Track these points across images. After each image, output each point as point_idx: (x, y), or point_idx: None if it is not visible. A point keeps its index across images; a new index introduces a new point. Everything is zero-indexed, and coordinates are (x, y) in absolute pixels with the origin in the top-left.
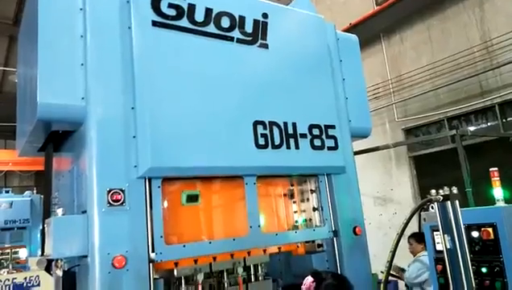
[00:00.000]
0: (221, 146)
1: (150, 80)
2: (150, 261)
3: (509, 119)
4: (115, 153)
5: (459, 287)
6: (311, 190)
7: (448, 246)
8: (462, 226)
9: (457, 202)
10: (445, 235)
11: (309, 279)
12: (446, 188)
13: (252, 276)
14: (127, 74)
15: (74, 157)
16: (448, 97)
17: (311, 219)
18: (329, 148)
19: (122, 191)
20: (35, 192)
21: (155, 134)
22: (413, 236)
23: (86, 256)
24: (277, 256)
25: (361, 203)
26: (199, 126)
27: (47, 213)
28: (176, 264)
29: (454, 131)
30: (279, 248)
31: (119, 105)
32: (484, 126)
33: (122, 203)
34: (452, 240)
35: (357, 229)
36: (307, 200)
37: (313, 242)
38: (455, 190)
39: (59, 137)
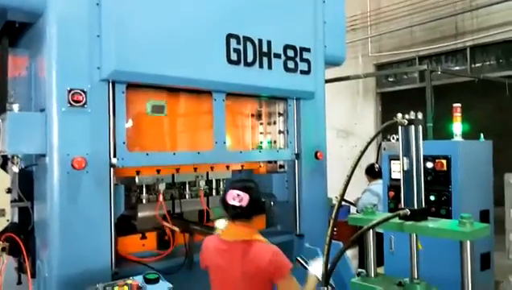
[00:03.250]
0: (191, 56)
1: None
2: (112, 165)
3: (477, 65)
4: (77, 52)
5: (409, 204)
6: (278, 113)
7: (406, 168)
8: (421, 151)
9: (420, 127)
10: (404, 158)
11: (242, 196)
12: (412, 112)
13: (213, 190)
14: None
15: (32, 53)
16: (423, 36)
17: (275, 141)
18: (302, 72)
19: (84, 92)
20: None
21: (121, 35)
22: (366, 172)
23: (44, 155)
24: (238, 174)
25: (325, 130)
26: (169, 33)
27: (3, 108)
28: (138, 173)
29: (425, 66)
30: (242, 166)
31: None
32: (453, 68)
33: (84, 104)
34: (410, 163)
35: (318, 154)
36: (274, 123)
37: (275, 162)
38: (420, 116)
39: (17, 31)
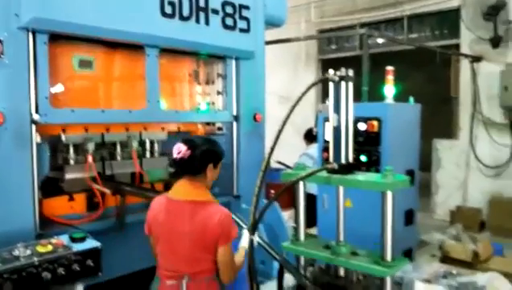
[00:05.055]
0: (121, 7)
1: None
2: (33, 122)
3: (414, 35)
4: None
5: (338, 160)
6: (217, 74)
7: (335, 124)
8: (351, 107)
9: (351, 84)
10: (334, 114)
11: (183, 147)
12: (343, 69)
13: (147, 152)
14: None
15: None
16: (365, 2)
17: (214, 103)
18: (241, 30)
19: (0, 41)
20: None
21: None
22: (305, 136)
23: None
24: (175, 136)
25: (264, 93)
26: None
27: None
28: (64, 131)
29: (364, 30)
30: (179, 128)
31: None
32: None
33: (0, 55)
34: (340, 119)
35: (257, 116)
36: (213, 83)
37: (214, 124)
38: (350, 73)
39: None
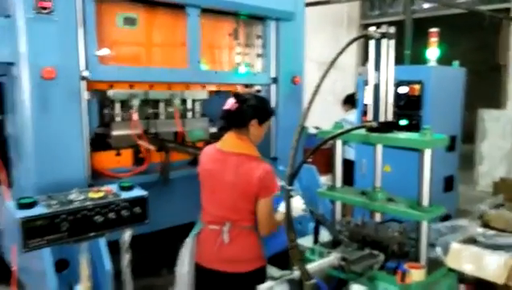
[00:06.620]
0: None
1: None
2: (83, 78)
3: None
4: None
5: (377, 118)
6: (256, 35)
7: (375, 82)
8: (392, 65)
9: (392, 42)
10: (375, 72)
11: (232, 100)
12: (384, 26)
13: (189, 112)
14: None
15: None
16: None
17: (253, 65)
18: None
19: None
20: None
21: None
22: (345, 102)
23: (13, 64)
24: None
25: (304, 55)
26: None
27: None
28: (111, 87)
29: None
30: (218, 88)
31: None
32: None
33: (51, 12)
34: (380, 77)
35: (295, 79)
36: (252, 45)
37: (252, 86)
38: (392, 30)
39: None
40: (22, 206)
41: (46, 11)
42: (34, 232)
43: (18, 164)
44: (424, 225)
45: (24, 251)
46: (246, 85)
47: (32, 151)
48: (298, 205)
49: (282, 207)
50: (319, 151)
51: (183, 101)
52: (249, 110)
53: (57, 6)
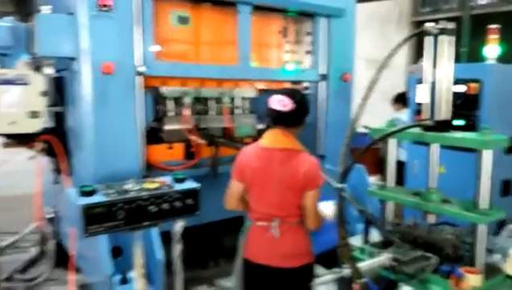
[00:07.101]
0: None
1: None
2: (139, 73)
3: None
4: None
5: (433, 117)
6: (306, 32)
7: (433, 79)
8: (452, 62)
9: (453, 39)
10: (433, 69)
11: (287, 100)
12: (442, 22)
13: (238, 109)
14: None
15: None
16: None
17: (301, 62)
18: None
19: None
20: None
21: None
22: (396, 100)
23: (74, 59)
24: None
25: (354, 52)
26: None
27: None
28: (164, 83)
29: None
30: (267, 85)
31: None
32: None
33: (111, 9)
34: (438, 74)
35: (345, 76)
36: (301, 42)
37: (300, 83)
38: (450, 25)
39: None
40: (84, 194)
41: (106, 9)
42: (93, 218)
43: (78, 154)
44: (481, 229)
45: (85, 237)
46: (294, 82)
47: (92, 142)
48: (327, 211)
49: (321, 206)
50: (367, 151)
51: (232, 99)
52: (305, 110)
53: (117, 4)
